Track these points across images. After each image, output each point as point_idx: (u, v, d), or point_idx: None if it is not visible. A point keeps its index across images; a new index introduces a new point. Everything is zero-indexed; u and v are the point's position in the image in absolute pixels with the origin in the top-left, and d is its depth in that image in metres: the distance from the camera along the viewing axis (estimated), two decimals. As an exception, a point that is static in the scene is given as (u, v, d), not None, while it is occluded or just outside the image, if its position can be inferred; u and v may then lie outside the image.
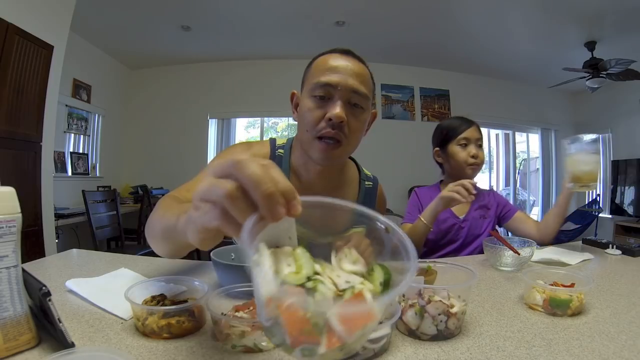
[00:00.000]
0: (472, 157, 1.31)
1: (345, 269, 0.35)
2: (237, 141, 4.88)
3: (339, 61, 0.79)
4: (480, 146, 1.35)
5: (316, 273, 0.32)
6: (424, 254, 1.35)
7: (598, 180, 1.06)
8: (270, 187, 0.30)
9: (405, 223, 1.38)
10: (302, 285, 0.30)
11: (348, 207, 0.36)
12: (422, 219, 1.21)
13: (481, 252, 1.35)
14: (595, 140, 1.06)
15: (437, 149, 1.43)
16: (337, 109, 0.76)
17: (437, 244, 1.36)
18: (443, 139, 1.39)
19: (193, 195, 0.35)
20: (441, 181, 1.47)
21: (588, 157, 1.05)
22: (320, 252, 0.36)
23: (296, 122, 0.87)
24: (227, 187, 0.31)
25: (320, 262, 0.35)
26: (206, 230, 0.34)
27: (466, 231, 1.36)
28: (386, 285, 0.33)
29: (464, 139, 1.33)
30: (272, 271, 0.31)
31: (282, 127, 5.55)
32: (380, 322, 0.51)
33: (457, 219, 1.36)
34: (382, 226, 0.37)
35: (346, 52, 0.83)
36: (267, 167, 0.32)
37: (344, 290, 0.31)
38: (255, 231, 0.31)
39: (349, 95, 0.78)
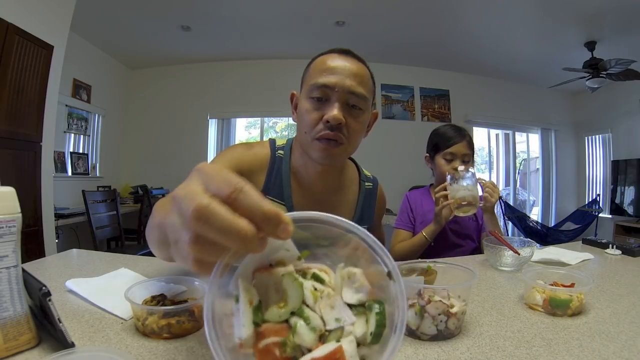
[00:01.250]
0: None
1: (345, 297, 0.32)
2: (237, 141, 4.88)
3: (337, 61, 0.78)
4: (467, 161, 1.35)
5: (305, 304, 0.30)
6: (408, 255, 1.37)
7: (476, 204, 1.18)
8: (239, 230, 0.25)
9: (399, 229, 1.41)
10: (286, 321, 0.29)
11: (346, 227, 0.32)
12: (424, 235, 1.24)
13: (472, 252, 1.36)
14: (472, 174, 1.21)
15: (427, 155, 1.46)
16: (334, 111, 0.75)
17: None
18: (432, 147, 1.41)
19: (167, 230, 0.30)
20: (431, 185, 1.49)
21: (464, 186, 1.18)
22: (323, 255, 0.34)
23: (295, 123, 0.87)
24: (188, 238, 0.26)
25: (322, 273, 0.32)
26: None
27: (455, 232, 1.37)
28: (376, 337, 0.31)
29: (450, 154, 1.34)
30: (247, 312, 0.29)
31: (281, 126, 5.55)
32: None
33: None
34: (385, 269, 0.32)
35: (345, 52, 0.82)
36: (237, 195, 0.26)
37: (330, 332, 0.29)
38: (231, 266, 0.29)
39: (347, 96, 0.77)
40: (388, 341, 0.30)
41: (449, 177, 1.22)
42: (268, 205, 0.27)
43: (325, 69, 0.78)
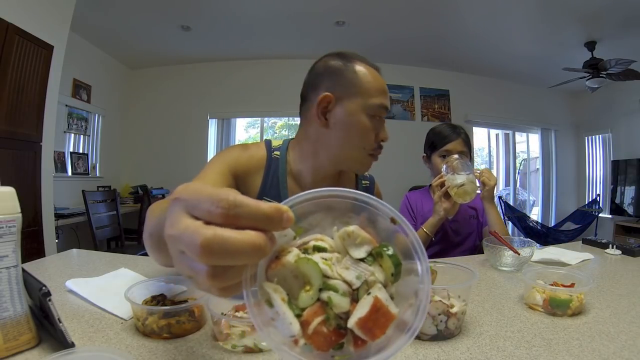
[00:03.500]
0: None
1: (353, 254, 0.33)
2: (236, 141, 4.89)
3: (383, 80, 0.86)
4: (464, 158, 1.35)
5: (325, 276, 0.31)
6: None
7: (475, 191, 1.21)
8: (252, 244, 0.25)
9: None
10: (318, 299, 0.30)
11: (349, 195, 0.32)
12: (425, 229, 1.24)
13: (473, 252, 1.36)
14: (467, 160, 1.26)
15: (424, 154, 1.46)
16: (387, 133, 0.86)
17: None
18: (429, 146, 1.42)
19: (180, 268, 0.28)
20: (430, 185, 1.48)
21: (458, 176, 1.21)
22: (315, 221, 0.34)
23: (325, 128, 0.83)
24: (205, 273, 0.25)
25: (321, 243, 0.33)
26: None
27: (455, 230, 1.37)
28: (397, 275, 0.32)
29: (446, 151, 1.35)
30: (287, 309, 0.30)
31: (280, 125, 5.55)
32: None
33: (446, 218, 1.37)
34: (387, 216, 0.32)
35: (379, 70, 0.88)
36: (235, 214, 0.25)
37: (357, 289, 0.31)
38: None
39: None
40: (412, 272, 0.32)
41: (444, 167, 1.24)
42: (265, 205, 0.26)
43: (382, 89, 0.84)
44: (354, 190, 0.32)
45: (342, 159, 0.85)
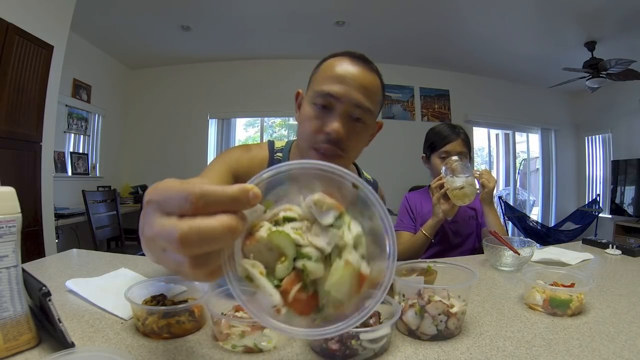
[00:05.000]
0: None
1: (321, 221, 0.34)
2: (236, 141, 4.89)
3: (348, 69, 0.73)
4: (463, 159, 1.33)
5: (298, 245, 0.32)
6: (408, 257, 1.37)
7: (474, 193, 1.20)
8: (225, 227, 0.26)
9: (400, 231, 1.39)
10: (294, 268, 0.31)
11: (310, 167, 0.34)
12: (424, 232, 1.23)
13: (472, 252, 1.36)
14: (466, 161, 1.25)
15: (423, 155, 1.45)
16: (335, 124, 0.72)
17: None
18: (428, 146, 1.41)
19: (166, 265, 0.30)
20: (429, 185, 1.48)
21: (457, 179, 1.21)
22: (282, 192, 0.35)
23: (297, 123, 0.85)
24: (187, 263, 0.27)
25: (290, 213, 0.34)
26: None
27: (454, 231, 1.36)
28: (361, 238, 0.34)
29: (445, 152, 1.34)
30: (266, 282, 0.31)
31: (279, 124, 5.55)
32: (381, 322, 0.51)
33: (445, 219, 1.36)
34: (349, 182, 0.33)
35: (358, 58, 0.76)
36: (204, 204, 0.26)
37: (329, 254, 0.32)
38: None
39: (351, 109, 0.73)
40: (384, 239, 0.33)
41: (443, 168, 1.23)
42: (230, 188, 0.28)
43: (334, 76, 0.73)
44: (313, 161, 0.33)
45: (301, 155, 0.81)
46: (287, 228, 0.33)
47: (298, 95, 0.86)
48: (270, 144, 0.92)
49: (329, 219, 0.33)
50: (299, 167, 0.34)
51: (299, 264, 0.31)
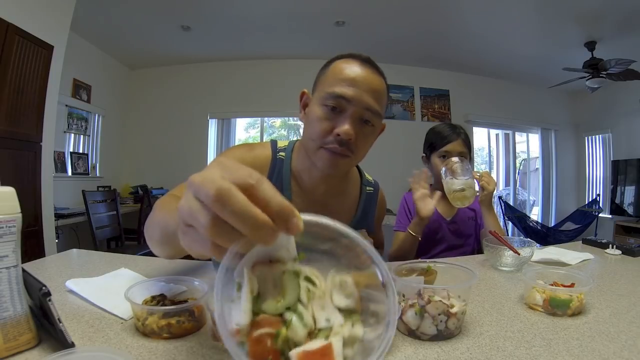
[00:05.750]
0: None
1: (335, 300, 0.33)
2: (236, 141, 4.89)
3: (357, 72, 0.75)
4: (464, 159, 1.33)
5: (300, 301, 0.31)
6: (404, 257, 1.37)
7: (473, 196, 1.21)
8: (256, 217, 0.27)
9: (398, 231, 1.38)
10: (280, 315, 0.30)
11: (354, 239, 0.33)
12: (410, 231, 1.22)
13: (472, 252, 1.36)
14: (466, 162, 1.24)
15: (423, 155, 1.45)
16: (346, 126, 0.73)
17: (424, 244, 1.36)
18: (429, 147, 1.40)
19: (178, 214, 0.30)
20: (430, 185, 1.47)
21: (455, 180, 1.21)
22: (318, 259, 0.35)
23: (301, 123, 0.85)
24: (208, 220, 0.27)
25: (313, 277, 0.33)
26: (202, 255, 0.31)
27: (454, 232, 1.36)
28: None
29: (445, 152, 1.33)
30: (248, 300, 0.30)
31: (278, 124, 5.55)
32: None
33: (444, 220, 1.36)
34: (381, 279, 0.33)
35: (366, 61, 0.78)
36: (256, 187, 0.28)
37: (320, 330, 0.31)
38: (241, 254, 0.30)
39: (362, 111, 0.75)
40: (372, 351, 0.31)
41: (443, 169, 1.22)
42: (284, 200, 0.28)
43: (344, 79, 0.75)
44: (363, 241, 0.33)
45: (307, 155, 0.81)
46: (303, 283, 0.32)
47: (303, 95, 0.86)
48: (273, 143, 0.92)
49: (341, 303, 0.33)
50: (348, 235, 0.33)
51: (289, 315, 0.30)
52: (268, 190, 0.28)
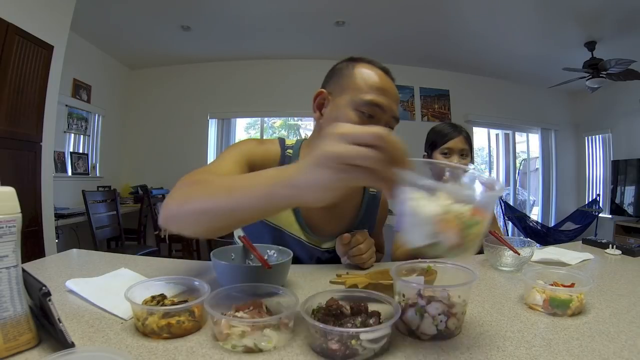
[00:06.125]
0: None
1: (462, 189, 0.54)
2: (237, 141, 4.89)
3: (386, 83, 0.82)
4: (465, 156, 1.36)
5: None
6: (411, 257, 1.37)
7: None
8: (402, 151, 0.42)
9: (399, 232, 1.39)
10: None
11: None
12: None
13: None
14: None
15: (424, 154, 1.46)
16: None
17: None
18: (430, 145, 1.41)
19: (325, 155, 0.41)
20: None
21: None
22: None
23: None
24: (378, 156, 0.39)
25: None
26: (343, 188, 0.43)
27: None
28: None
29: (447, 149, 1.35)
30: (444, 198, 0.43)
31: (279, 124, 5.55)
32: (381, 322, 0.51)
33: None
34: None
35: (386, 71, 0.85)
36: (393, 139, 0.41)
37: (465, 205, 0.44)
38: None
39: (391, 120, 0.81)
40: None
41: (447, 173, 1.23)
42: (403, 150, 0.42)
43: (378, 88, 0.80)
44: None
45: None
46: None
47: (320, 95, 0.87)
48: (281, 140, 0.94)
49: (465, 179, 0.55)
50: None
51: (454, 207, 0.43)
52: (394, 144, 0.42)
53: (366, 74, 0.82)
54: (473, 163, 1.36)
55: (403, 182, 0.42)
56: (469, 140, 1.38)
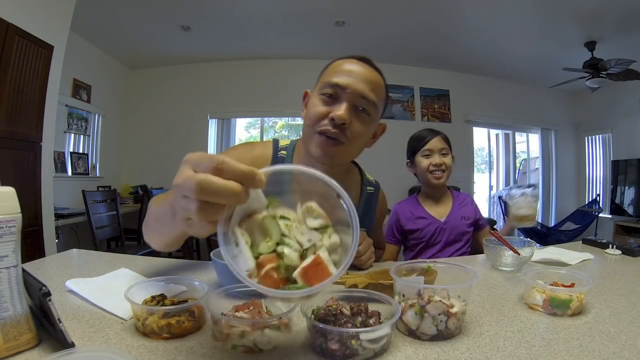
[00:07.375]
0: (434, 165, 1.39)
1: (309, 224, 0.41)
2: (237, 141, 4.89)
3: (354, 66, 0.80)
4: (446, 154, 1.42)
5: (283, 235, 0.39)
6: (410, 257, 1.44)
7: (535, 218, 1.29)
8: (231, 188, 0.35)
9: (389, 243, 1.46)
10: (274, 251, 0.38)
11: (312, 174, 0.41)
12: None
13: (469, 248, 1.43)
14: (534, 189, 1.29)
15: (407, 161, 1.52)
16: (341, 110, 0.76)
17: (420, 246, 1.43)
18: (411, 150, 1.48)
19: (177, 216, 0.39)
20: (418, 192, 1.53)
21: (526, 203, 1.26)
22: (288, 199, 0.44)
23: (302, 122, 0.89)
24: (196, 208, 0.35)
25: (286, 214, 0.42)
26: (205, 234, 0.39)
27: (447, 232, 1.41)
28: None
29: (428, 150, 1.42)
30: (247, 250, 0.38)
31: (280, 125, 5.55)
32: (381, 322, 0.51)
33: (439, 222, 1.42)
34: (335, 192, 0.41)
35: (363, 59, 0.83)
36: (221, 166, 0.35)
37: (306, 250, 0.40)
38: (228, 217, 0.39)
39: (357, 99, 0.78)
40: (349, 246, 0.39)
41: (511, 191, 1.30)
42: (243, 166, 0.36)
43: (341, 71, 0.79)
44: (314, 171, 0.40)
45: (305, 144, 0.84)
46: (281, 222, 0.40)
47: (306, 95, 0.89)
48: (275, 142, 0.94)
49: (314, 224, 0.42)
50: (300, 171, 0.41)
51: (280, 248, 0.38)
52: (231, 164, 0.36)
53: (336, 63, 0.82)
54: (454, 161, 1.43)
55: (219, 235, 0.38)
56: (447, 140, 1.45)
